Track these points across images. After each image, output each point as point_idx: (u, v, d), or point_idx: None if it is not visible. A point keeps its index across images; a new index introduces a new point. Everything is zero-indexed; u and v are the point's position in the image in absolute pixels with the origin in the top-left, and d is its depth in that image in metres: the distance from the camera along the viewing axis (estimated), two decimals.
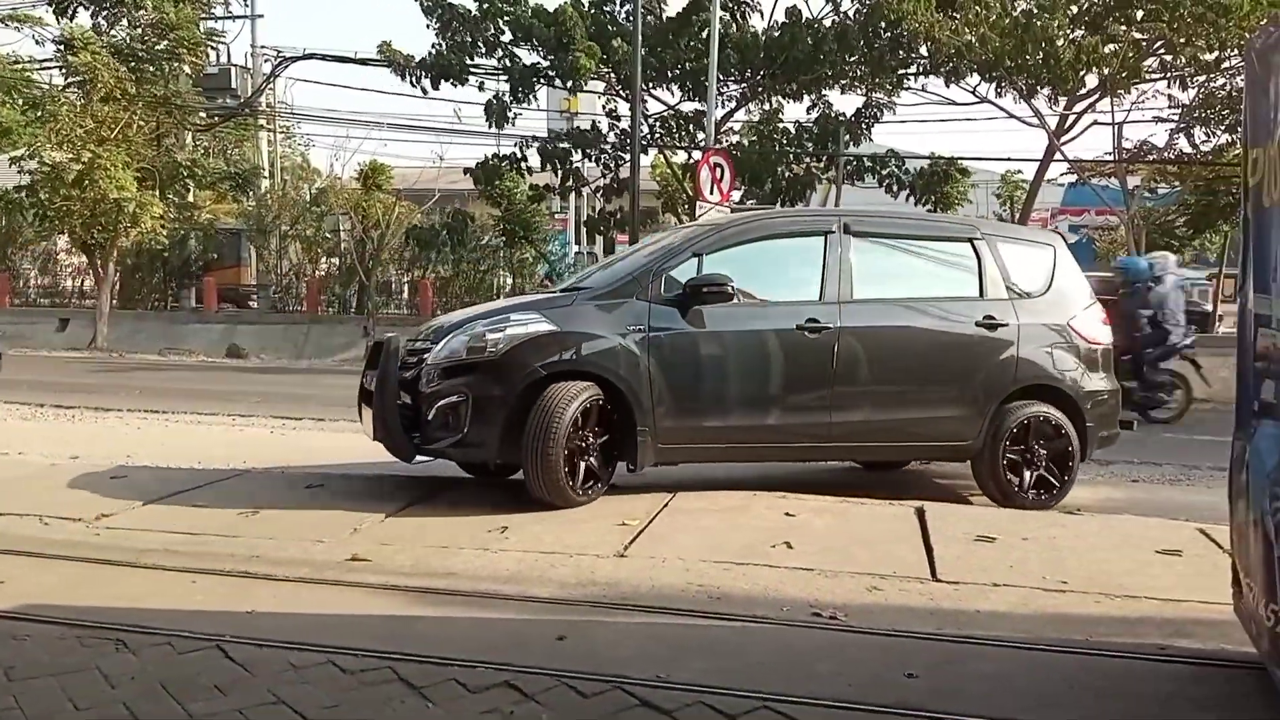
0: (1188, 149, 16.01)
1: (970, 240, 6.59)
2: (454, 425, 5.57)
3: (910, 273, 6.64)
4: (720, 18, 17.39)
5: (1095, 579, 4.41)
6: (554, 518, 5.41)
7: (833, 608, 4.00)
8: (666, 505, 5.71)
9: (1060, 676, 3.34)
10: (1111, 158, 17.68)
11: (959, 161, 19.25)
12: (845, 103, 19.29)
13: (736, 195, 17.36)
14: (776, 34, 17.62)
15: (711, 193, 15.41)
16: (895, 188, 19.25)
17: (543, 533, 5.09)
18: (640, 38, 15.11)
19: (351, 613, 4.01)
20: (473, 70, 18.95)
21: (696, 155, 19.55)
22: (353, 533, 5.13)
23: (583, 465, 5.60)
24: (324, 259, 24.65)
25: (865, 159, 19.43)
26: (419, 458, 5.79)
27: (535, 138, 19.48)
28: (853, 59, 17.83)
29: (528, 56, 19.00)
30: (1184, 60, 14.90)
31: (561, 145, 19.16)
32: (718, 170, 15.54)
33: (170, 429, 9.76)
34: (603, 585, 4.26)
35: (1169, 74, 15.47)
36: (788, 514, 5.52)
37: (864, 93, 18.86)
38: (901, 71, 18.30)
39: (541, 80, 18.95)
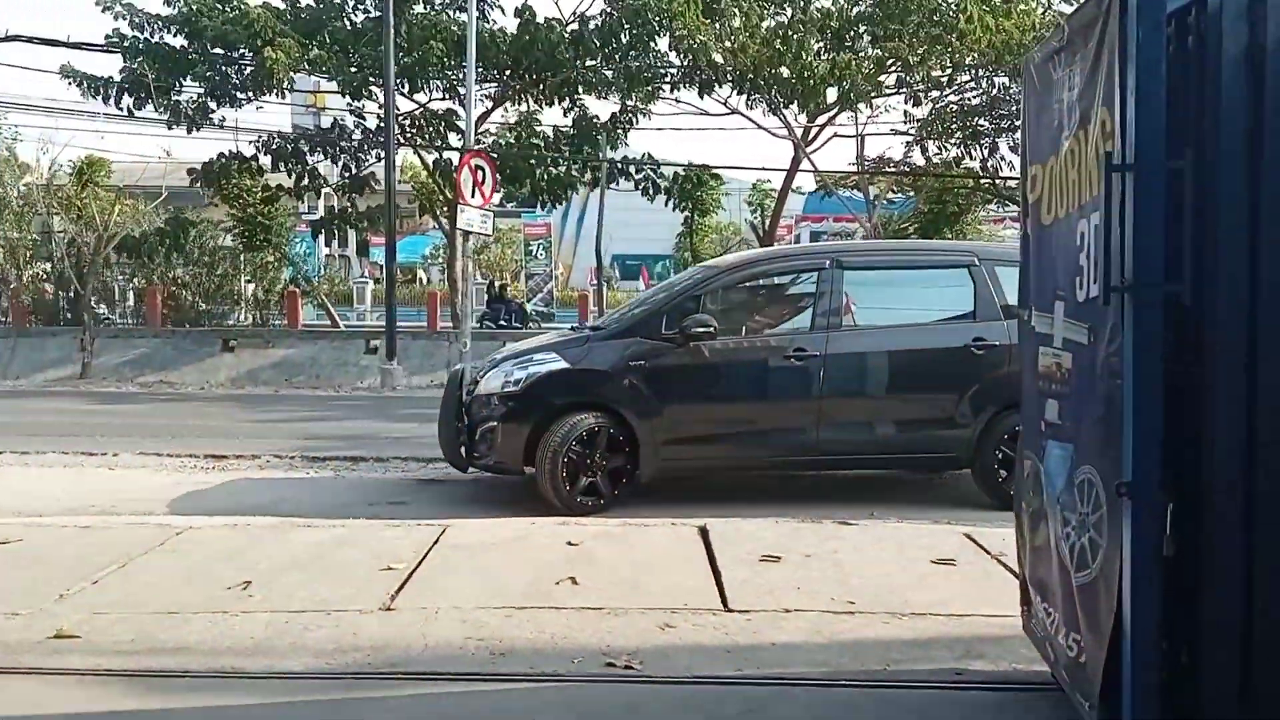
0: (921, 161, 17.19)
1: (967, 266, 7.01)
2: (492, 445, 6.71)
3: (902, 300, 7.13)
4: (451, 16, 16.76)
5: (881, 596, 4.36)
6: (308, 562, 4.80)
7: (626, 654, 3.68)
8: (438, 541, 5.23)
9: (869, 717, 3.18)
10: (854, 168, 18.70)
11: (711, 169, 19.64)
12: (602, 107, 19.14)
13: (496, 198, 16.79)
14: (514, 36, 17.16)
15: (473, 195, 14.82)
16: (652, 191, 19.35)
17: (295, 586, 4.48)
18: (391, 30, 14.30)
19: (49, 714, 3.27)
20: (176, 88, 17.06)
21: (451, 156, 18.86)
22: (59, 599, 4.30)
23: (585, 480, 6.46)
24: (31, 265, 21.85)
25: (621, 163, 19.43)
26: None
27: (273, 136, 17.93)
28: (592, 64, 17.68)
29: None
30: (919, 77, 15.92)
31: (295, 145, 17.76)
32: (479, 172, 14.97)
33: None
34: (367, 650, 3.73)
35: (906, 89, 16.51)
36: (570, 543, 5.19)
37: (617, 99, 18.80)
38: (654, 84, 18.39)
39: (237, 88, 17.31)
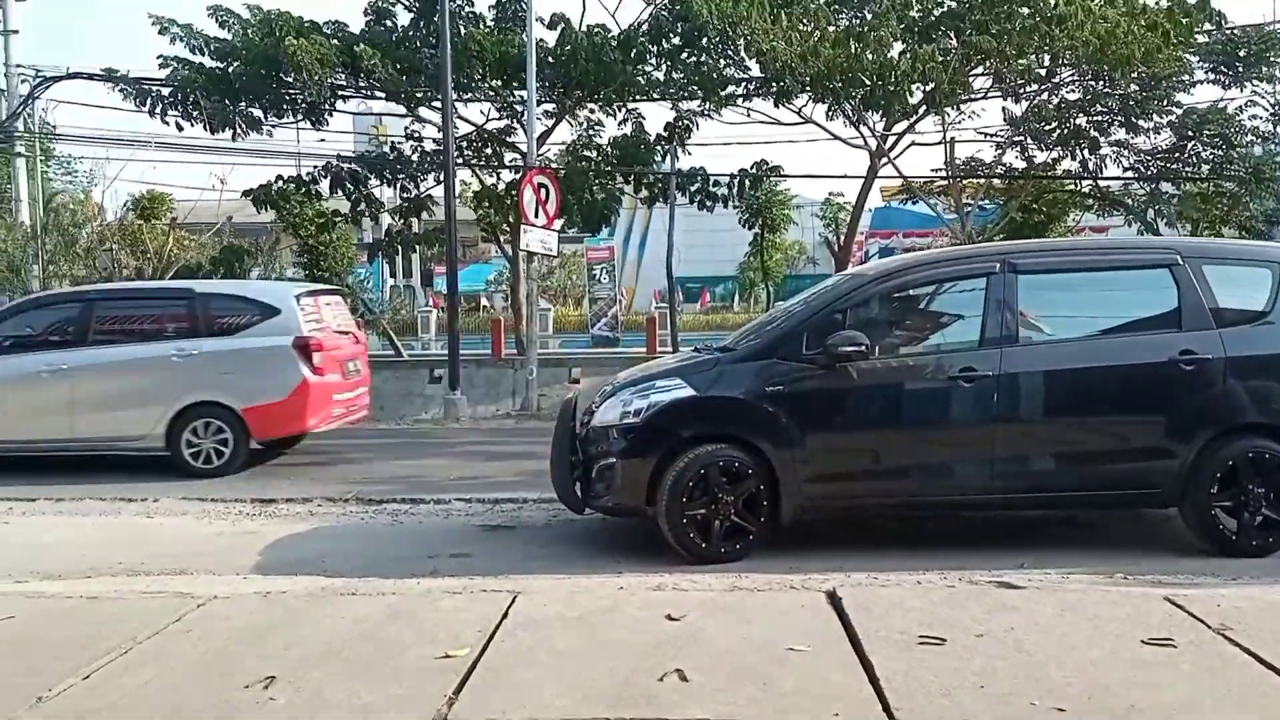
0: (1018, 164, 15.92)
1: (1169, 266, 5.95)
2: (610, 485, 5.92)
3: (1090, 308, 6.14)
4: (497, 28, 15.93)
5: (1095, 697, 3.26)
6: (348, 647, 3.86)
7: None
8: (507, 614, 4.25)
9: None
10: (940, 174, 17.45)
11: (770, 166, 18.49)
12: (660, 117, 18.17)
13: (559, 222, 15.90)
14: (554, 47, 16.31)
15: (537, 215, 14.02)
16: (709, 203, 18.31)
17: (328, 683, 3.53)
18: (449, 43, 13.54)
19: None
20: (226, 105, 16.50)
21: (508, 176, 18.10)
22: (36, 703, 3.42)
23: (719, 524, 5.64)
24: None
25: (674, 174, 18.45)
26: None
27: (330, 161, 17.37)
28: (646, 69, 16.75)
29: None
30: (1017, 69, 14.69)
31: (351, 167, 17.13)
32: (542, 191, 14.17)
33: None
34: None
35: (1001, 84, 15.26)
36: (670, 616, 4.17)
37: (672, 106, 17.82)
38: (724, 89, 17.41)
39: (276, 86, 16.61)
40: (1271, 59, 13.79)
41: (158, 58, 16.62)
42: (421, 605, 4.47)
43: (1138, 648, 3.70)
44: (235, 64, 15.98)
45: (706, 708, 3.25)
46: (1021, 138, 15.38)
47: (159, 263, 17.50)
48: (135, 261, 18.50)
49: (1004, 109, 15.62)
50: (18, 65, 23.04)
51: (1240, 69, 13.95)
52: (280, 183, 17.37)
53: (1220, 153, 14.04)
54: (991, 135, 15.92)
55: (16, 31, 23.47)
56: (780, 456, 5.66)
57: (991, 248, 6.17)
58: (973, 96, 16.51)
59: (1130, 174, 15.30)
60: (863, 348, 5.65)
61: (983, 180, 16.72)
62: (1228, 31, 14.36)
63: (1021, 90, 15.34)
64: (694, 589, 4.63)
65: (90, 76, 20.70)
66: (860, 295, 6.08)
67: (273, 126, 17.23)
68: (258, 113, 16.65)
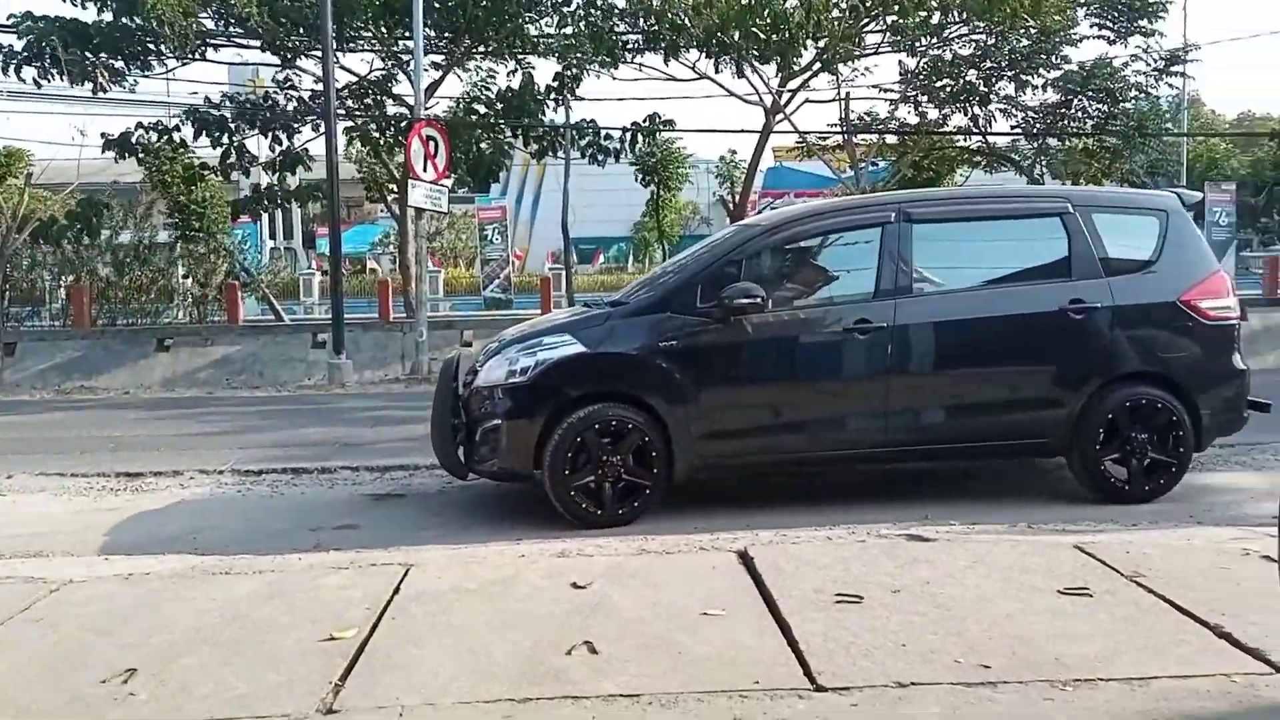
0: (911, 120, 15.99)
1: (1060, 214, 5.92)
2: (495, 448, 5.62)
3: (983, 257, 6.04)
4: None
5: (1018, 652, 3.15)
6: (221, 631, 3.50)
7: None
8: (399, 589, 3.94)
9: None
10: (835, 129, 17.44)
11: (661, 120, 18.16)
12: (549, 71, 17.55)
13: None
14: None
15: (425, 169, 13.45)
16: (599, 156, 17.90)
17: (197, 673, 3.17)
18: None
19: None
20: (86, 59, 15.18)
21: (394, 130, 17.29)
22: None
23: (608, 486, 5.41)
24: None
25: (564, 127, 17.99)
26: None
27: (195, 107, 16.19)
28: (540, 18, 16.19)
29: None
30: (912, 23, 14.68)
31: (220, 113, 16.02)
32: (431, 144, 13.59)
33: None
34: None
35: (897, 38, 15.24)
36: (576, 584, 3.92)
37: (574, 61, 17.27)
38: (616, 45, 16.96)
39: (138, 35, 15.41)
40: (1152, 12, 14.17)
41: (9, 16, 15.28)
42: (303, 583, 4.11)
43: (1054, 598, 3.62)
44: (93, 13, 14.76)
45: (618, 681, 3.02)
46: (914, 94, 15.46)
47: (14, 223, 16.17)
48: None
49: (900, 63, 15.67)
50: None
51: (1125, 23, 14.28)
52: (141, 130, 16.18)
53: (1105, 108, 14.39)
54: (885, 90, 15.96)
55: None
56: (674, 414, 5.47)
57: (886, 197, 6.10)
58: (866, 52, 16.51)
59: (1018, 130, 15.58)
60: (758, 300, 5.49)
61: (876, 138, 16.78)
62: None
63: (915, 45, 15.37)
64: (599, 554, 4.39)
65: None
66: (755, 246, 5.90)
67: (134, 82, 16.04)
68: (120, 64, 15.45)
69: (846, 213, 6.41)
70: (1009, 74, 14.75)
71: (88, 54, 14.94)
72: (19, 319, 18.90)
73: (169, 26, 13.42)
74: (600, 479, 5.39)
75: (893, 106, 16.02)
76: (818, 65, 16.19)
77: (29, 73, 15.11)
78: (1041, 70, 14.87)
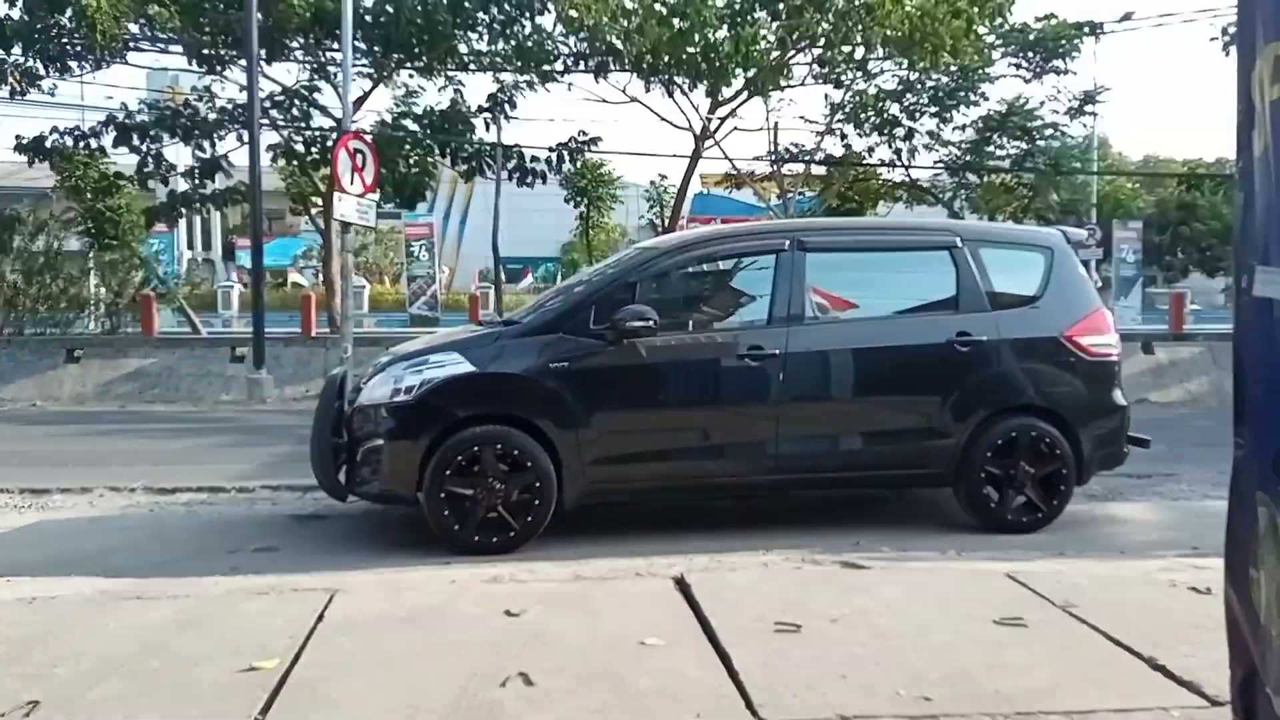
0: (836, 151, 16.27)
1: (949, 248, 5.97)
2: (376, 470, 5.44)
3: (874, 288, 6.09)
4: None
5: (958, 683, 3.14)
6: (132, 662, 3.30)
7: None
8: (323, 616, 3.78)
9: None
10: (763, 160, 17.65)
11: (588, 138, 18.16)
12: (480, 88, 17.49)
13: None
14: (379, 4, 15.37)
15: (352, 182, 13.16)
16: (529, 179, 17.86)
17: (108, 708, 2.98)
18: None
19: None
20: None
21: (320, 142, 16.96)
22: None
23: (487, 511, 5.23)
24: None
25: (497, 148, 17.89)
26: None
27: (113, 114, 15.65)
28: (474, 35, 16.12)
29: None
30: (839, 57, 14.96)
31: (140, 120, 15.50)
32: (359, 157, 13.29)
33: None
34: None
35: (824, 70, 15.50)
36: (509, 612, 3.81)
37: (506, 77, 17.21)
38: (547, 62, 16.94)
39: (71, 55, 14.94)
40: (1062, 51, 14.66)
41: None
42: (220, 609, 3.93)
43: (991, 629, 3.63)
44: (12, 6, 14.17)
45: (556, 715, 2.92)
46: (840, 125, 15.76)
47: None
48: None
49: (825, 96, 15.94)
50: None
51: (1038, 61, 14.76)
52: (57, 135, 15.58)
53: (1022, 146, 14.83)
54: (812, 121, 16.24)
55: None
56: (563, 437, 5.36)
57: (783, 224, 6.19)
58: (793, 83, 16.76)
59: (940, 165, 15.98)
60: (650, 323, 5.42)
61: (803, 168, 17.03)
62: (1023, 24, 15.14)
63: (840, 78, 15.67)
64: (533, 580, 4.28)
65: None
66: (651, 269, 5.86)
67: (53, 85, 15.46)
68: (38, 65, 14.86)
69: (742, 239, 6.49)
70: (931, 110, 15.13)
71: (1, 50, 14.35)
72: None
73: (99, 32, 12.94)
74: (482, 504, 5.23)
75: (819, 138, 16.30)
76: (746, 94, 16.38)
77: None
78: (962, 107, 15.29)
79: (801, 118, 15.72)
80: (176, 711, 2.94)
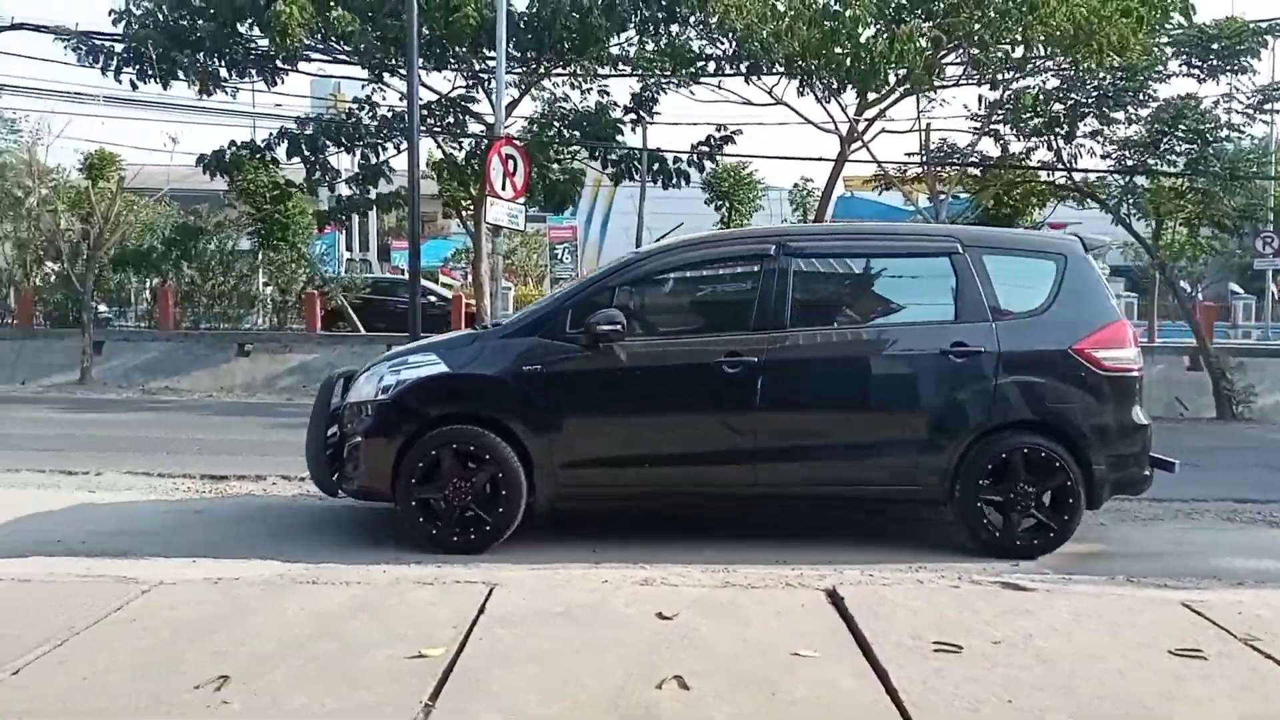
0: (993, 152, 15.72)
1: (948, 254, 5.70)
2: (356, 466, 5.57)
3: (865, 295, 5.96)
4: None
5: (1130, 713, 3.01)
6: (309, 644, 3.50)
7: None
8: (484, 609, 3.92)
9: None
10: (912, 163, 17.20)
11: (726, 131, 18.08)
12: (623, 91, 17.75)
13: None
14: (536, 9, 15.73)
15: (504, 188, 13.57)
16: (671, 181, 17.97)
17: (287, 685, 3.17)
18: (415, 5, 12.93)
19: None
20: (178, 61, 15.55)
21: (472, 146, 17.54)
22: None
23: (458, 510, 5.34)
24: (41, 264, 20.77)
25: (642, 150, 18.06)
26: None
27: (286, 127, 16.61)
28: (626, 36, 16.35)
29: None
30: (995, 56, 14.46)
31: (308, 132, 16.38)
32: (510, 162, 13.72)
33: None
34: None
35: (977, 70, 15.01)
36: (662, 615, 3.86)
37: (640, 78, 17.41)
38: (697, 63, 17.03)
39: (240, 43, 15.78)
40: (1242, 51, 13.73)
41: (110, 12, 15.85)
42: (388, 597, 4.11)
43: (1165, 659, 3.45)
44: (197, 18, 15.20)
45: (711, 718, 2.94)
46: (996, 126, 15.19)
47: (105, 225, 16.72)
48: (82, 225, 17.69)
49: (980, 97, 15.39)
50: None
51: (1215, 62, 13.89)
52: (234, 148, 16.63)
53: (1195, 148, 13.97)
54: (971, 118, 15.67)
55: None
56: (535, 440, 5.39)
57: (769, 229, 5.97)
58: (946, 83, 16.27)
59: (1107, 166, 15.18)
60: (619, 327, 5.37)
61: (957, 169, 16.51)
62: (1199, 25, 14.30)
63: (997, 77, 15.12)
64: (684, 584, 4.32)
65: (37, 28, 19.81)
66: (632, 273, 5.81)
67: (235, 87, 16.51)
68: (222, 70, 15.92)
69: (726, 244, 6.40)
70: (1095, 110, 14.42)
71: (184, 57, 15.38)
72: (107, 319, 19.54)
73: (287, 36, 13.73)
74: (451, 503, 5.32)
75: (974, 138, 15.77)
76: (897, 94, 16.03)
77: (126, 75, 15.63)
78: (1129, 107, 14.55)
79: (972, 116, 14.94)
80: (352, 694, 3.10)
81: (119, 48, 15.67)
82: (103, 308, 19.89)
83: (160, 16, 15.33)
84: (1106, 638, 3.67)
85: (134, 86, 15.72)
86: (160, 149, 21.98)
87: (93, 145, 20.71)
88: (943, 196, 15.54)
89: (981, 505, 5.40)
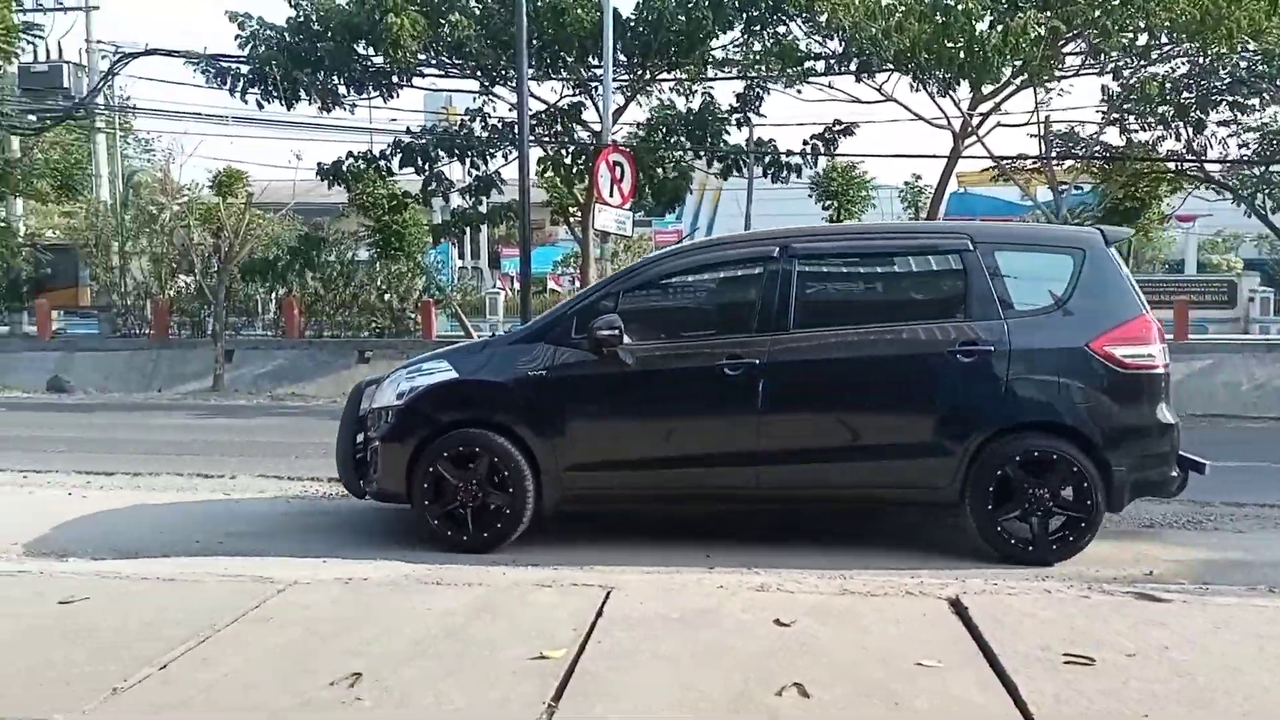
0: (1117, 142, 15.11)
1: (958, 251, 5.57)
2: (375, 468, 5.79)
3: (874, 296, 5.94)
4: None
5: None
6: (436, 643, 3.61)
7: None
8: (602, 612, 3.97)
9: None
10: (1032, 154, 16.67)
11: (843, 125, 17.84)
12: (725, 92, 17.70)
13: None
14: (642, 12, 15.81)
15: (611, 194, 13.72)
16: (781, 173, 17.82)
17: (417, 684, 3.27)
18: (524, 14, 13.18)
19: None
20: (300, 80, 16.20)
21: (578, 155, 17.76)
22: (110, 695, 3.21)
23: (470, 511, 5.53)
24: (175, 277, 21.96)
25: (749, 146, 17.96)
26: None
27: (400, 138, 17.19)
28: (732, 36, 16.31)
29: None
30: (1116, 45, 13.93)
31: (422, 143, 16.88)
32: (618, 169, 13.86)
33: None
34: None
35: (1098, 60, 14.46)
36: (778, 621, 3.84)
37: (744, 76, 17.33)
38: (805, 62, 16.87)
39: (358, 61, 16.38)
40: None
41: (235, 37, 16.65)
42: (510, 599, 4.20)
43: None
44: (317, 40, 15.86)
45: None
46: (1120, 116, 14.59)
47: (235, 239, 17.54)
48: (213, 239, 18.61)
49: (1103, 87, 14.79)
50: (98, 41, 23.30)
51: None
52: (352, 159, 17.27)
53: None
54: (1100, 103, 15.09)
55: (97, 7, 23.75)
56: (541, 444, 5.51)
57: (774, 231, 5.93)
58: (1065, 73, 15.73)
59: (1244, 158, 14.42)
60: (616, 332, 5.44)
61: (1078, 161, 15.93)
62: None
63: (1120, 66, 14.52)
64: (800, 590, 4.29)
65: (169, 53, 20.94)
66: (637, 278, 5.89)
67: (352, 104, 17.16)
68: (341, 88, 16.58)
69: (730, 247, 6.35)
70: (1227, 98, 13.69)
71: (305, 77, 16.05)
72: (236, 328, 20.48)
73: (401, 49, 14.21)
74: (460, 504, 5.51)
75: (1098, 129, 15.18)
76: (1011, 87, 15.58)
77: (252, 95, 16.41)
78: (1265, 94, 13.79)
79: (1100, 103, 14.38)
80: (479, 693, 3.18)
81: (244, 69, 16.44)
82: (232, 318, 20.87)
83: (283, 38, 16.02)
84: (1250, 651, 3.50)
85: (260, 106, 16.48)
86: (285, 165, 22.90)
87: (223, 163, 21.75)
88: (1064, 189, 14.99)
89: (992, 509, 5.26)
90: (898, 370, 5.46)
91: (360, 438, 6.07)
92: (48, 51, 22.59)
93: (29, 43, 20.67)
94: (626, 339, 5.50)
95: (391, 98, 16.95)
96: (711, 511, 6.34)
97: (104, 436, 10.84)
